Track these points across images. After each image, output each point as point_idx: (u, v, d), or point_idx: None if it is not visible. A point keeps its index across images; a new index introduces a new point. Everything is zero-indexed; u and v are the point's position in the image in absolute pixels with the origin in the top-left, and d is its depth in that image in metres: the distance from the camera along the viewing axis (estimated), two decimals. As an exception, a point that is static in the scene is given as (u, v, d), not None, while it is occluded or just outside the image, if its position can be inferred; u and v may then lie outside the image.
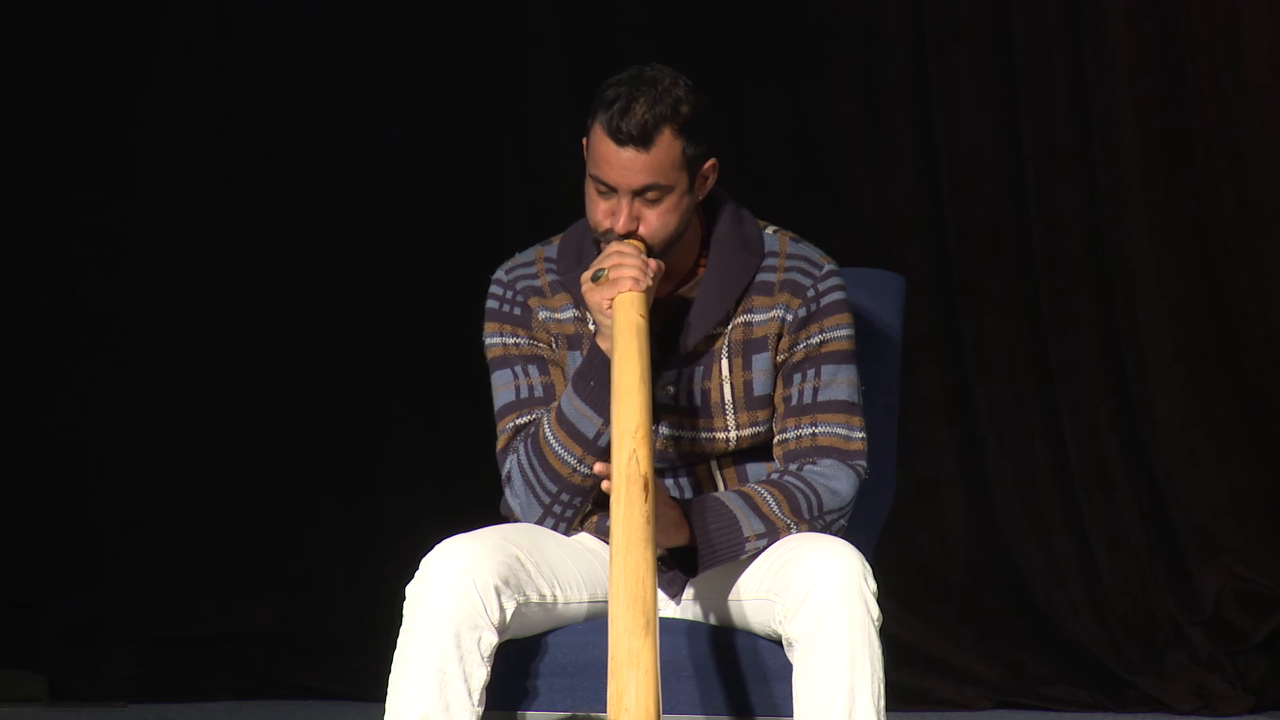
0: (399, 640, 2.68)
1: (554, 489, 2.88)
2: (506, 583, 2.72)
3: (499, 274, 3.01)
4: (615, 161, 2.79)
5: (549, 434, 2.86)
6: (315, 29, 5.38)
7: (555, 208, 5.19)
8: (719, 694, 2.79)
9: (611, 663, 2.42)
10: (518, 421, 2.93)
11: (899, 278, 3.31)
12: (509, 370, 2.96)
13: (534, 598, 2.78)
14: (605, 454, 2.78)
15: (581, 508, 2.90)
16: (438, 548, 2.72)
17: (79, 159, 5.38)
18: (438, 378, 5.35)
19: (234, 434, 5.42)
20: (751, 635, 2.85)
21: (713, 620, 2.91)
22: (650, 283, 2.78)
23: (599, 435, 2.82)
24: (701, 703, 2.79)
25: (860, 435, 2.91)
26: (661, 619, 2.61)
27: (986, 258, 5.20)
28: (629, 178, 2.79)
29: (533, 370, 2.95)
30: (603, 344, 2.82)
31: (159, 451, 5.38)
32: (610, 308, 2.77)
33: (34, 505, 5.34)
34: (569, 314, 2.94)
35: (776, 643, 2.79)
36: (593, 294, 2.79)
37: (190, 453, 5.39)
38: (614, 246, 2.81)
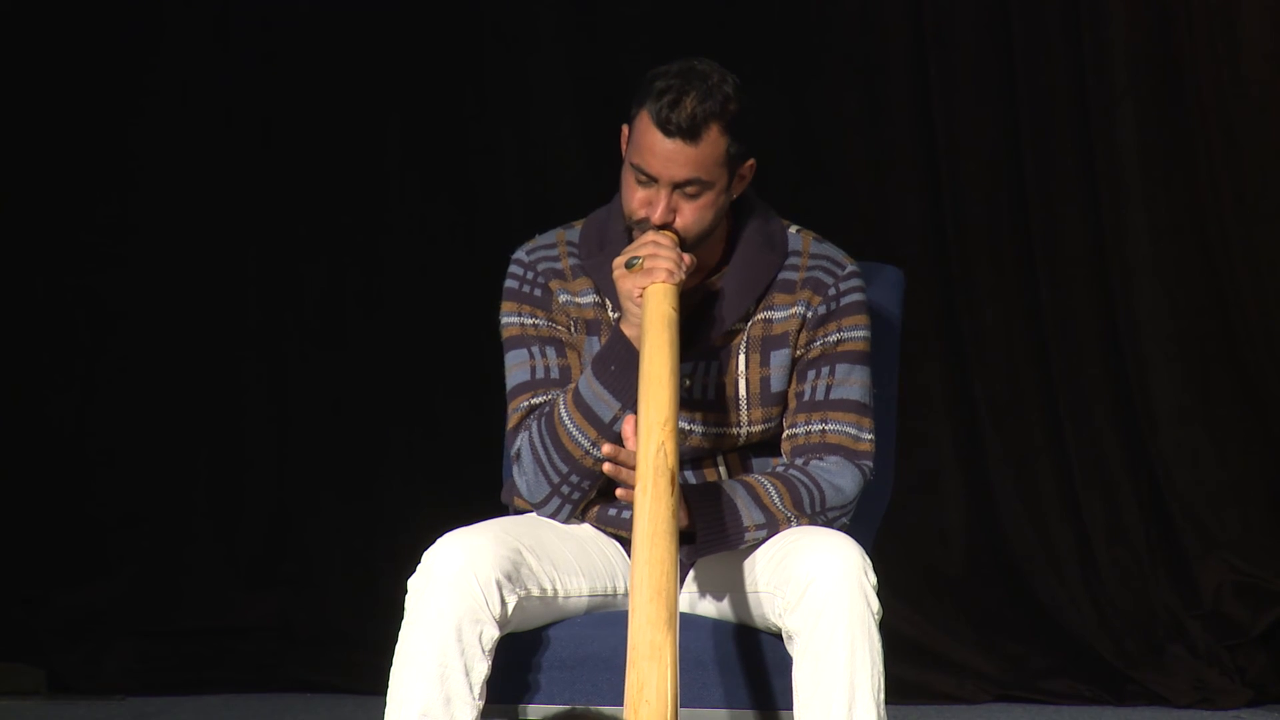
0: (400, 634, 2.68)
1: (565, 469, 2.88)
2: (508, 577, 2.72)
3: (519, 254, 3.01)
4: (660, 152, 2.79)
5: (564, 415, 2.86)
6: (316, 21, 5.38)
7: (556, 200, 5.24)
8: (717, 688, 2.79)
9: (632, 653, 2.41)
10: (532, 401, 2.93)
11: (898, 271, 3.32)
12: (525, 350, 2.96)
13: (535, 591, 2.79)
14: (619, 439, 2.79)
15: (589, 492, 2.91)
16: (439, 541, 2.72)
17: (81, 152, 5.37)
18: (438, 371, 5.35)
19: (233, 427, 5.42)
20: (751, 628, 2.85)
21: (712, 613, 2.92)
22: (683, 276, 2.78)
23: (615, 420, 2.83)
24: (700, 696, 2.79)
25: (869, 437, 2.92)
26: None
27: (986, 252, 5.21)
28: (672, 170, 2.80)
29: (550, 352, 2.95)
30: (628, 331, 2.82)
31: (159, 445, 5.38)
32: (640, 297, 2.77)
33: (33, 498, 5.34)
34: (589, 299, 2.95)
35: (776, 636, 2.79)
36: (625, 280, 2.79)
37: (190, 446, 5.39)
38: (650, 236, 2.81)
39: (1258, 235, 5.04)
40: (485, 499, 3.25)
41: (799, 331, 2.92)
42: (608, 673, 2.77)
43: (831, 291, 2.93)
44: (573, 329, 2.96)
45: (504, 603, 2.71)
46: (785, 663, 2.72)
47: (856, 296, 2.95)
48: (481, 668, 2.67)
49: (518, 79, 5.35)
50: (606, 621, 2.85)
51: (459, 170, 5.39)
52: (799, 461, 2.90)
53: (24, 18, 5.33)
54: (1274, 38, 5.02)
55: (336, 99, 5.40)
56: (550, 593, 2.82)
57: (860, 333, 2.94)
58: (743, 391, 2.93)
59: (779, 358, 2.93)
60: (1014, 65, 5.14)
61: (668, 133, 2.78)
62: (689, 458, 2.94)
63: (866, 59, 5.25)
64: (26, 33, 5.35)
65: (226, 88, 5.40)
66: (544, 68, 5.35)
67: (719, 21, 5.22)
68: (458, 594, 2.66)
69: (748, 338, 2.93)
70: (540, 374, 2.95)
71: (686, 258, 2.81)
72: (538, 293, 2.97)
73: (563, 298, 2.96)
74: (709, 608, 2.92)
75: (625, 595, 2.93)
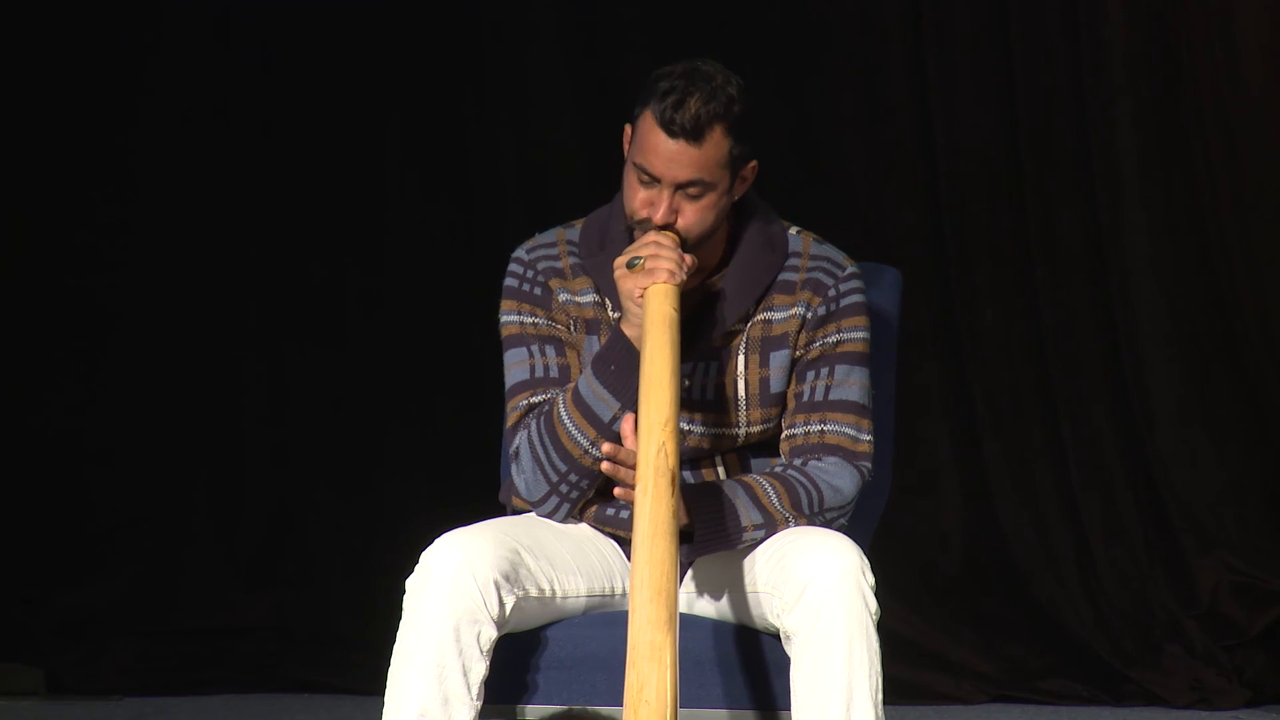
0: (399, 634, 2.68)
1: (563, 468, 2.88)
2: (506, 577, 2.72)
3: (519, 253, 3.01)
4: (664, 152, 2.79)
5: (563, 414, 2.86)
6: (316, 20, 5.37)
7: (556, 200, 5.23)
8: (716, 688, 2.80)
9: (632, 653, 2.42)
10: (531, 400, 2.93)
11: (896, 271, 3.32)
12: (524, 349, 2.96)
13: (533, 592, 2.79)
14: (618, 438, 2.80)
15: (587, 491, 2.91)
16: (438, 542, 2.72)
17: (79, 153, 5.37)
18: (436, 370, 5.35)
19: (232, 427, 5.42)
20: (749, 628, 2.85)
21: (710, 613, 2.92)
22: (684, 277, 2.78)
23: (614, 420, 2.83)
24: (699, 697, 2.80)
25: (868, 438, 2.92)
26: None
27: (984, 251, 5.21)
28: (675, 170, 2.80)
29: (549, 350, 2.95)
30: (628, 331, 2.83)
31: (158, 445, 5.37)
32: (641, 297, 2.78)
33: (32, 498, 5.34)
34: (589, 298, 2.95)
35: (774, 636, 2.79)
36: (626, 280, 2.80)
37: (189, 446, 5.39)
38: (651, 236, 2.81)
39: (1257, 235, 5.04)
40: (484, 499, 3.25)
41: (799, 332, 2.93)
42: (605, 673, 2.77)
43: (831, 293, 2.93)
44: (572, 328, 2.96)
45: (502, 603, 2.71)
46: (784, 663, 2.72)
47: (856, 298, 2.95)
48: (480, 668, 2.67)
49: (517, 79, 5.35)
50: (604, 622, 2.85)
51: (458, 170, 5.39)
52: (798, 462, 2.90)
53: (23, 18, 5.33)
54: (1273, 37, 5.02)
55: (336, 99, 5.40)
56: (548, 593, 2.82)
57: (860, 334, 2.94)
58: (742, 392, 2.93)
59: (778, 358, 2.93)
60: (1013, 65, 5.14)
61: (671, 133, 2.78)
62: (688, 458, 2.94)
63: (866, 59, 5.25)
64: (26, 32, 5.34)
65: (226, 88, 5.40)
66: (543, 67, 5.35)
67: (718, 21, 5.22)
68: (456, 594, 2.66)
69: (747, 338, 2.93)
70: (539, 373, 2.95)
71: (688, 258, 2.81)
72: (538, 291, 2.97)
73: (563, 296, 2.96)
74: (707, 607, 2.92)
75: (623, 595, 2.93)
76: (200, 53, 5.38)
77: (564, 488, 2.90)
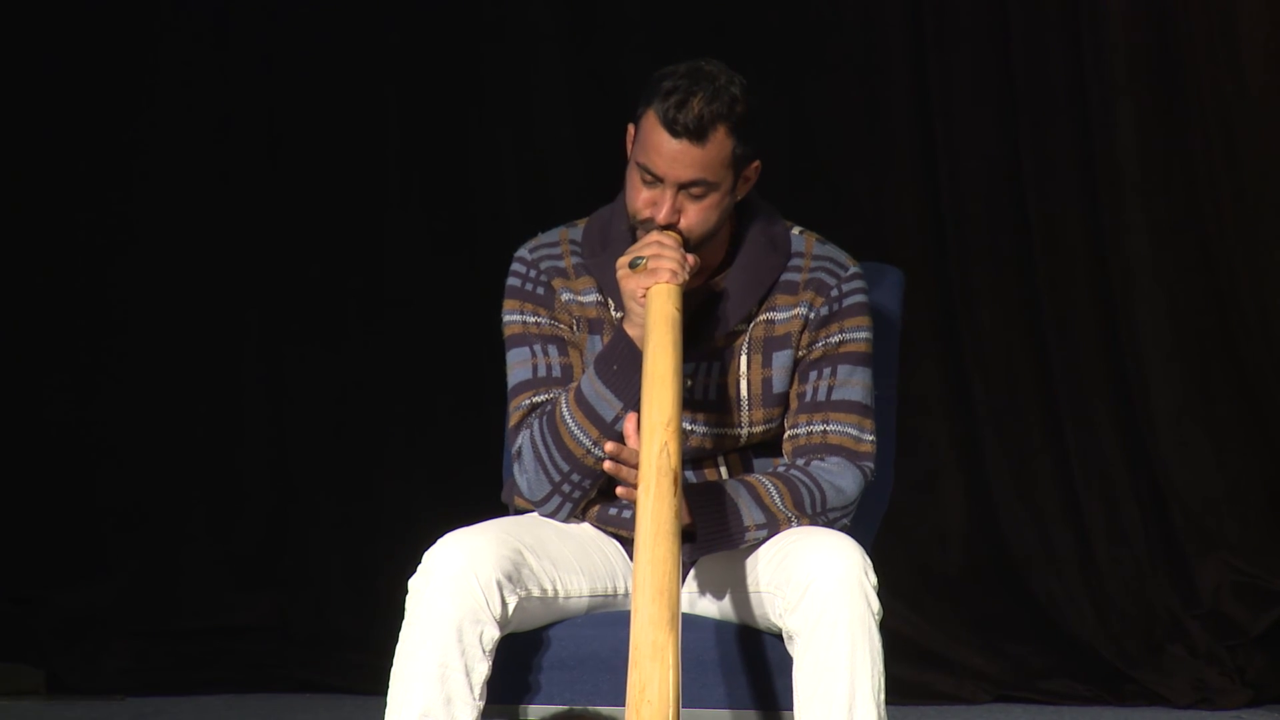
0: (401, 634, 2.68)
1: (566, 468, 2.88)
2: (509, 577, 2.72)
3: (522, 252, 3.01)
4: (666, 152, 2.79)
5: (566, 414, 2.86)
6: (315, 24, 5.37)
7: (555, 200, 5.23)
8: (719, 688, 2.80)
9: (634, 653, 2.42)
10: (534, 399, 2.94)
11: (898, 271, 3.32)
12: (527, 348, 2.96)
13: (535, 592, 2.79)
14: (620, 438, 2.80)
15: (590, 491, 2.91)
16: (440, 542, 2.72)
17: (82, 152, 5.37)
18: (436, 370, 5.35)
19: (232, 427, 5.42)
20: (751, 628, 2.85)
21: (713, 612, 2.92)
22: (687, 277, 2.79)
23: (616, 419, 2.83)
24: (701, 697, 2.80)
25: (871, 439, 2.92)
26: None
27: (985, 251, 5.21)
28: (678, 170, 2.80)
29: (552, 350, 2.96)
30: (630, 330, 2.83)
31: (157, 445, 5.37)
32: (644, 296, 2.78)
33: (32, 498, 5.34)
34: (592, 298, 2.95)
35: (777, 636, 2.79)
36: (628, 280, 2.80)
37: (189, 446, 5.39)
38: (654, 236, 2.81)
39: (1256, 234, 5.04)
40: (485, 499, 3.25)
41: (801, 332, 2.93)
42: (608, 673, 2.77)
43: (834, 293, 2.93)
44: (575, 328, 2.96)
45: (504, 603, 2.71)
46: (786, 663, 2.72)
47: (859, 298, 2.95)
48: (482, 668, 2.67)
49: (517, 79, 5.35)
50: (607, 621, 2.85)
51: (458, 170, 5.39)
52: (800, 462, 2.90)
53: (24, 17, 5.33)
54: (1274, 37, 5.02)
55: (336, 99, 5.39)
56: (550, 593, 2.82)
57: (862, 334, 2.94)
58: (744, 392, 2.93)
59: (781, 359, 2.93)
60: (1013, 65, 5.14)
61: (674, 133, 2.78)
62: (690, 458, 2.94)
63: (866, 59, 5.24)
64: (27, 32, 5.34)
65: (227, 88, 5.40)
66: (543, 68, 5.34)
67: (718, 21, 5.22)
68: (458, 594, 2.66)
69: (750, 338, 2.93)
70: (542, 372, 2.95)
71: (690, 258, 2.81)
72: (540, 291, 2.97)
73: (565, 296, 2.96)
74: (709, 607, 2.92)
75: (625, 595, 2.94)
76: (202, 54, 5.38)
77: (566, 487, 2.90)
